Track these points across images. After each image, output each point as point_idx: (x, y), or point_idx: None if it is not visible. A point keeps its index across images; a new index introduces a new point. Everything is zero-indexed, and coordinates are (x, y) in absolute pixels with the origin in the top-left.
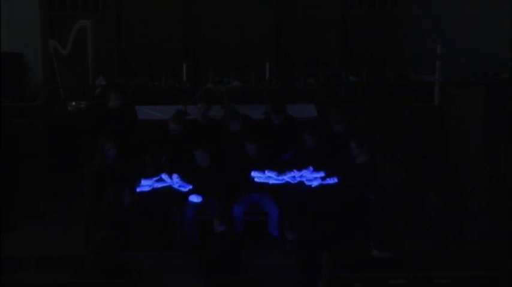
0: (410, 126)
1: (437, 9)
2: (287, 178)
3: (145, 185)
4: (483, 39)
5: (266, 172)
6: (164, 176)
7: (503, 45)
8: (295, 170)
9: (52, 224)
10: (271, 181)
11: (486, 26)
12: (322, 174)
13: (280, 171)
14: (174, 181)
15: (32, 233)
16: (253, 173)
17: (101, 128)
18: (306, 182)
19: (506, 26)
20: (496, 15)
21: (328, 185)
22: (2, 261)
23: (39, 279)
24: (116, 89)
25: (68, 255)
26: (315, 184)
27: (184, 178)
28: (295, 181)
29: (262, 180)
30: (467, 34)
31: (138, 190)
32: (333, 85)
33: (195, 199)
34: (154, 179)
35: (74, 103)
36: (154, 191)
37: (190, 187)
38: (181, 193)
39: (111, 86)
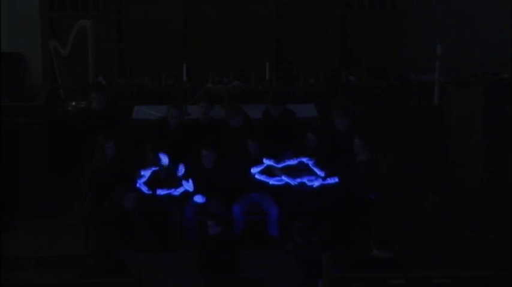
0: (410, 126)
1: (437, 9)
2: (287, 178)
3: (145, 174)
4: (483, 39)
5: (264, 160)
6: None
7: (503, 45)
8: (291, 160)
9: (52, 224)
10: (271, 181)
11: (486, 26)
12: (322, 173)
13: (278, 160)
14: (180, 169)
15: (32, 233)
16: (253, 170)
17: (86, 131)
18: (307, 182)
19: (506, 26)
20: (496, 15)
21: (329, 185)
22: (2, 261)
23: (39, 279)
24: (95, 88)
25: (68, 255)
26: (316, 184)
27: (186, 177)
28: (296, 182)
29: (262, 178)
30: (467, 34)
31: (139, 182)
32: (333, 85)
33: (199, 199)
34: (154, 168)
35: (74, 103)
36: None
37: (191, 184)
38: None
39: (90, 86)
